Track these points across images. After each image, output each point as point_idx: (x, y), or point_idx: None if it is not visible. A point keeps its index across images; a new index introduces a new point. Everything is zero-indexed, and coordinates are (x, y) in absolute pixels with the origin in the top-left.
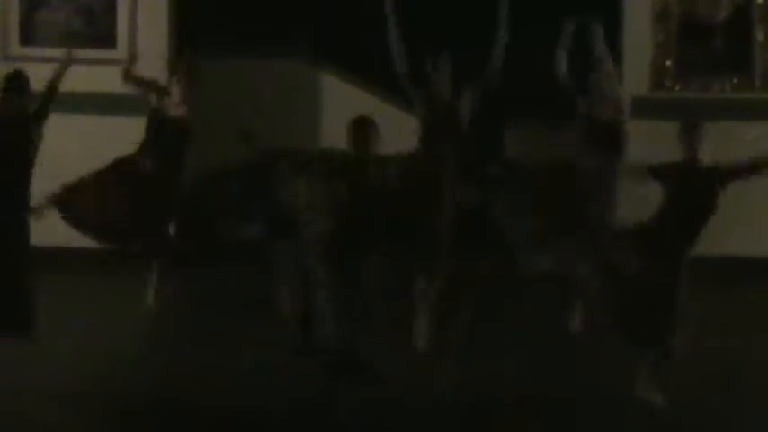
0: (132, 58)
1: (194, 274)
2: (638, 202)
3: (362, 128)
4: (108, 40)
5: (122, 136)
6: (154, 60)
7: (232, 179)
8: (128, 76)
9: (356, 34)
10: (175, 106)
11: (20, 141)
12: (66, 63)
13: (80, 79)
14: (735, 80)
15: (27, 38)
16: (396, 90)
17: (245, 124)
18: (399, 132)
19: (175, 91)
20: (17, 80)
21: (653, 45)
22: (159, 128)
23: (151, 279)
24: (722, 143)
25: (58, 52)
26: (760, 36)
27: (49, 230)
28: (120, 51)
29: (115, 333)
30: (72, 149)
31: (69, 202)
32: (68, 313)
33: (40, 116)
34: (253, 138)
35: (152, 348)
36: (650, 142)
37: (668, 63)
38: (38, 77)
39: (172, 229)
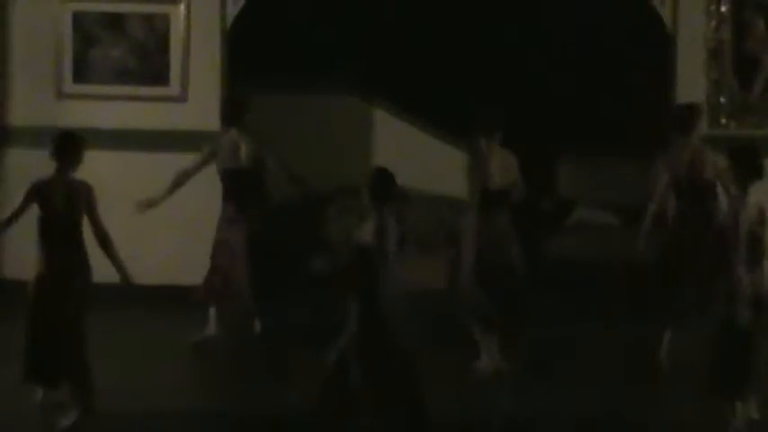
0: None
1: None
2: None
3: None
4: (161, 78)
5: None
6: (206, 97)
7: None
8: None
9: (408, 72)
10: (233, 158)
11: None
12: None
13: (133, 116)
14: None
15: (80, 75)
16: (445, 127)
17: (295, 168)
18: (447, 167)
19: (229, 144)
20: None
21: (707, 82)
22: (230, 179)
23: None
24: None
25: (111, 89)
26: None
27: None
28: (173, 88)
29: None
30: (124, 186)
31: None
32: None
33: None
34: (304, 181)
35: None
36: None
37: (722, 100)
38: (91, 115)
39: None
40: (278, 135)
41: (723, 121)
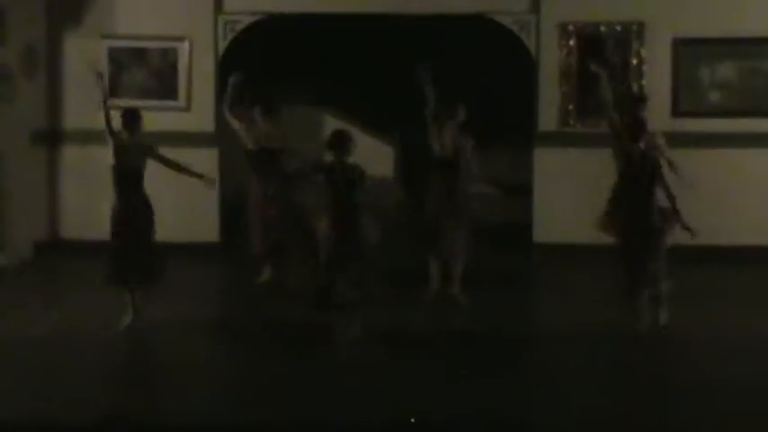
0: None
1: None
2: None
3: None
4: (172, 94)
5: (181, 160)
6: (204, 108)
7: None
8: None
9: (347, 90)
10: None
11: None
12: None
13: (153, 121)
14: None
15: (114, 92)
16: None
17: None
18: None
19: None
20: (131, 116)
21: (560, 94)
22: (255, 158)
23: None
24: None
25: (136, 102)
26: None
27: None
28: (181, 102)
29: None
30: (147, 173)
31: None
32: None
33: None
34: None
35: None
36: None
37: (570, 107)
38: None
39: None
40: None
41: (571, 122)
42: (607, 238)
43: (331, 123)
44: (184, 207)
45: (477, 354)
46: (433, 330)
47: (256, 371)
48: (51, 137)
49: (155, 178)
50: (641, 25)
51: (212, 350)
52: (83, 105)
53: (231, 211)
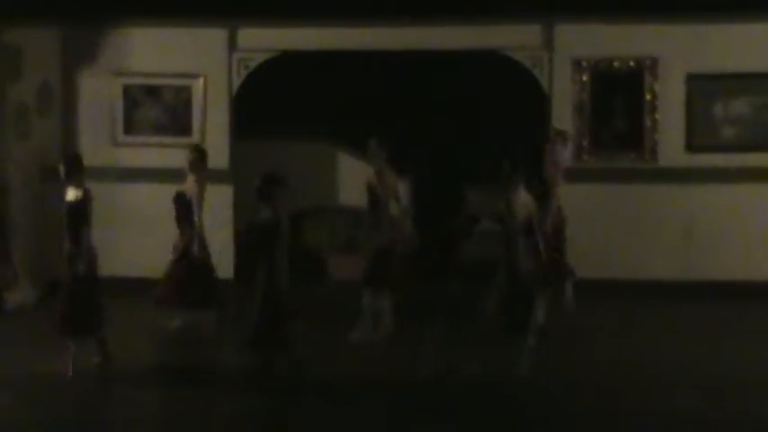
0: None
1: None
2: None
3: None
4: (186, 130)
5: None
6: (218, 144)
7: None
8: None
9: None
10: None
11: None
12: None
13: (167, 158)
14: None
15: (129, 129)
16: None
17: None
18: None
19: None
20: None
21: (573, 129)
22: None
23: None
24: None
25: (151, 139)
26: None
27: None
28: (195, 137)
29: None
30: (160, 208)
31: None
32: None
33: None
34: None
35: None
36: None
37: (584, 142)
38: (137, 157)
39: None
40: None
41: (584, 157)
42: (620, 275)
43: (344, 159)
44: None
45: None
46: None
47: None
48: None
49: (170, 215)
50: (655, 61)
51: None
52: (97, 142)
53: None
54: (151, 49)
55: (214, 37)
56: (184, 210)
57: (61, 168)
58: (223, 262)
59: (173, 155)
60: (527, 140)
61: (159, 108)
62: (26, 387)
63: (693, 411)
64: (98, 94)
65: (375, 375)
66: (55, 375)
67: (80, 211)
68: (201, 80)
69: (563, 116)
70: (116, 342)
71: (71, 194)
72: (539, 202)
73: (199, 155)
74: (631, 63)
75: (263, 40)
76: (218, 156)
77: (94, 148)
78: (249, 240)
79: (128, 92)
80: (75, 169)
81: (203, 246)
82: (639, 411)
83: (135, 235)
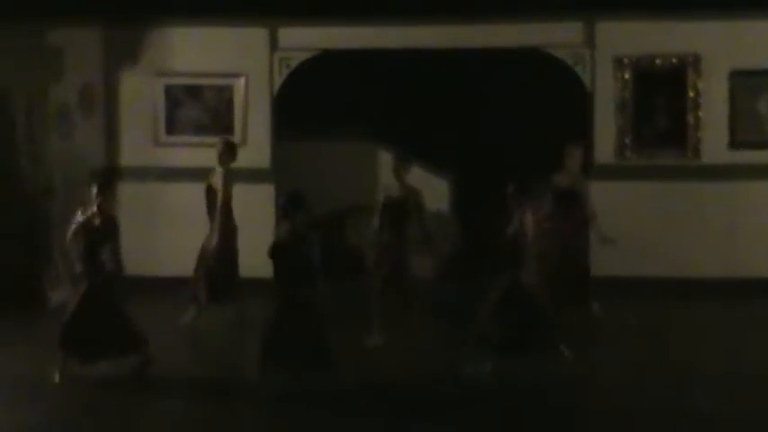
0: None
1: None
2: None
3: None
4: (227, 130)
5: (238, 196)
6: (260, 143)
7: None
8: None
9: (406, 121)
10: None
11: None
12: None
13: (208, 158)
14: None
15: (171, 129)
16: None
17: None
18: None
19: None
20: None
21: (615, 127)
22: None
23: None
24: None
25: (192, 139)
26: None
27: None
28: (236, 137)
29: None
30: (202, 207)
31: None
32: None
33: None
34: None
35: None
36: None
37: (626, 140)
38: (178, 157)
39: None
40: (310, 171)
41: (627, 154)
42: (664, 272)
43: (386, 158)
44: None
45: None
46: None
47: None
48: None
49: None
50: (697, 57)
51: None
52: (138, 142)
53: None
54: (193, 49)
55: (255, 36)
56: (214, 202)
57: (93, 183)
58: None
59: (214, 155)
60: (568, 138)
61: (201, 108)
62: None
63: (738, 411)
64: (140, 94)
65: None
66: (94, 376)
67: (109, 234)
68: (243, 80)
69: (605, 114)
70: (157, 342)
71: (97, 215)
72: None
73: (226, 147)
74: (674, 60)
75: (305, 39)
76: (260, 155)
77: (136, 148)
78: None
79: (169, 92)
80: (107, 184)
81: (227, 240)
82: (687, 411)
83: (177, 235)
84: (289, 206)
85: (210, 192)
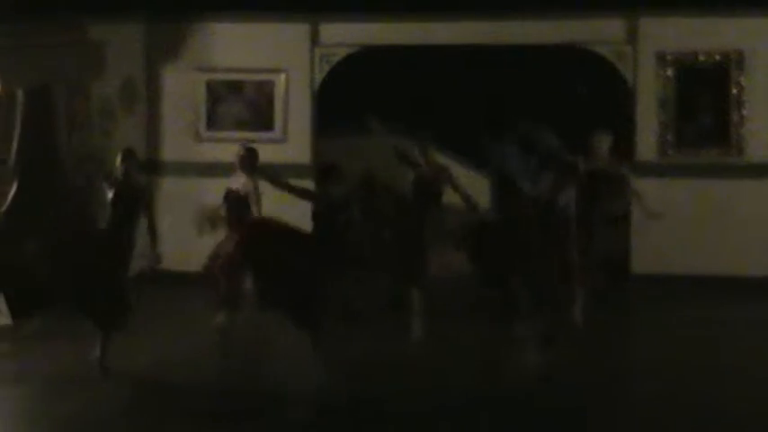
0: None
1: None
2: None
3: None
4: (268, 126)
5: (278, 192)
6: (301, 139)
7: None
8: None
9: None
10: None
11: None
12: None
13: None
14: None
15: (211, 124)
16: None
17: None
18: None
19: None
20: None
21: (658, 124)
22: None
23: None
24: None
25: (233, 134)
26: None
27: None
28: (277, 133)
29: None
30: None
31: None
32: None
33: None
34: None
35: None
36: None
37: (669, 137)
38: (219, 153)
39: None
40: (351, 166)
41: (669, 152)
42: (707, 270)
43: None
44: None
45: None
46: None
47: None
48: (150, 169)
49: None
50: (741, 54)
51: None
52: (180, 138)
53: None
54: (234, 45)
55: (296, 32)
56: (240, 208)
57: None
58: None
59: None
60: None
61: (242, 103)
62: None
63: None
64: (181, 89)
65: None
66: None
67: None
68: (284, 75)
69: (647, 111)
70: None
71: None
72: None
73: (250, 154)
74: (717, 56)
75: (346, 34)
76: (301, 151)
77: (177, 143)
78: None
79: (211, 87)
80: (130, 155)
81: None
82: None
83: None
84: (321, 176)
85: (235, 198)
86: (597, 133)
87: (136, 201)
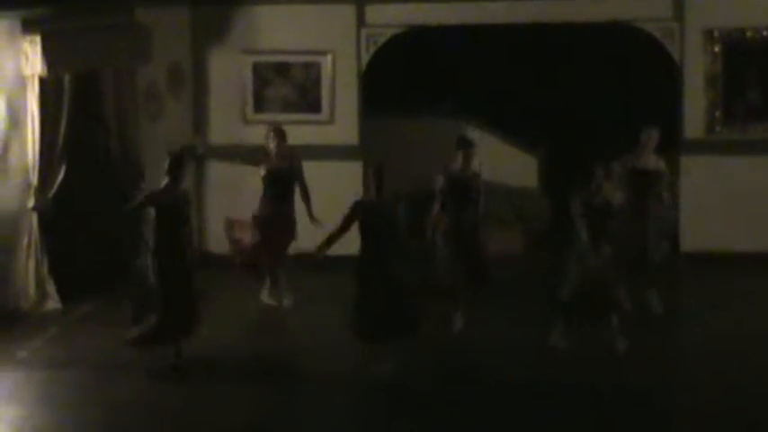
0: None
1: None
2: None
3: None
4: (315, 107)
5: (326, 174)
6: (348, 120)
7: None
8: None
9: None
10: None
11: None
12: None
13: (296, 135)
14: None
15: (259, 107)
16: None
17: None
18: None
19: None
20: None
21: (706, 101)
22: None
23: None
24: None
25: (280, 116)
26: None
27: None
28: (324, 115)
29: None
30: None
31: None
32: None
33: None
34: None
35: None
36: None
37: (717, 114)
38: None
39: None
40: (397, 148)
41: (717, 129)
42: (755, 247)
43: (474, 135)
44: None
45: None
46: None
47: None
48: (198, 153)
49: None
50: None
51: None
52: (227, 121)
53: None
54: (280, 27)
55: (342, 13)
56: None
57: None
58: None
59: (302, 132)
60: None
61: (289, 85)
62: None
63: None
64: (228, 72)
65: None
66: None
67: (178, 211)
68: (330, 57)
69: (695, 88)
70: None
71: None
72: None
73: (279, 133)
74: (765, 32)
75: (391, 15)
76: (348, 132)
77: (225, 126)
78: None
79: (257, 70)
80: (178, 166)
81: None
82: None
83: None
84: (375, 176)
85: (277, 173)
86: (646, 129)
87: (183, 207)
